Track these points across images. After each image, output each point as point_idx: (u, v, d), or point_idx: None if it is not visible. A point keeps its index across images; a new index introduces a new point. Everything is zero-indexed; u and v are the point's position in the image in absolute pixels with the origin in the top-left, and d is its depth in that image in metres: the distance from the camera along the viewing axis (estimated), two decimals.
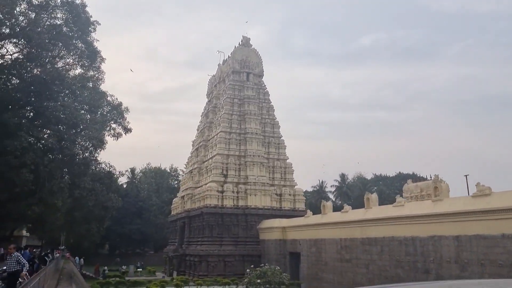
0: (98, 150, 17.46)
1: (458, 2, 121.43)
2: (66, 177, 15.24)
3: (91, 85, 17.72)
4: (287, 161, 39.82)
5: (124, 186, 69.74)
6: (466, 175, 29.29)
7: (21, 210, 15.78)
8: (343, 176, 79.81)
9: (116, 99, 18.95)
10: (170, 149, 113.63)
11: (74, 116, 14.95)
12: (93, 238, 31.99)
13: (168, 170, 76.82)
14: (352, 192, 76.86)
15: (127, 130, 18.85)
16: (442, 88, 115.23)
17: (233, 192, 36.16)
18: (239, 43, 43.93)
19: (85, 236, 29.04)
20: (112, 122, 18.76)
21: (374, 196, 24.81)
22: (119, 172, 24.06)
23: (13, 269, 10.39)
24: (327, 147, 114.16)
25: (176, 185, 70.04)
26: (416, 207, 20.47)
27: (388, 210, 22.47)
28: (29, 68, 15.91)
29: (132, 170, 73.78)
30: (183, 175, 69.25)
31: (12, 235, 35.54)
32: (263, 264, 20.15)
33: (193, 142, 47.34)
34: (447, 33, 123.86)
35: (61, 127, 15.50)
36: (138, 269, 40.73)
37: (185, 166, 62.11)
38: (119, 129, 18.94)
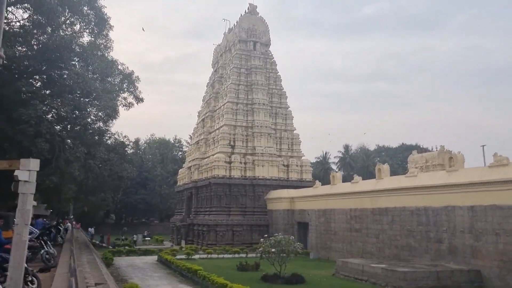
0: (112, 120, 17.25)
1: None
2: (81, 148, 15.06)
3: (100, 54, 17.23)
4: (294, 132, 39.63)
5: (129, 157, 69.88)
6: (483, 146, 29.19)
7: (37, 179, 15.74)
8: (346, 147, 79.71)
9: (127, 67, 18.60)
10: (172, 120, 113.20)
11: (88, 84, 14.62)
12: (107, 208, 32.06)
13: (172, 141, 76.80)
14: (355, 163, 76.91)
15: (139, 99, 18.50)
16: (446, 59, 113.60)
17: (240, 163, 36.14)
18: (245, 11, 42.92)
19: (99, 206, 29.15)
20: (123, 91, 18.39)
21: (385, 167, 24.76)
22: (132, 142, 23.81)
23: None
24: (329, 118, 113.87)
25: (180, 156, 70.18)
26: (430, 178, 20.42)
27: (401, 181, 22.45)
28: (36, 36, 15.46)
29: (137, 141, 73.73)
30: (188, 146, 69.35)
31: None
32: (276, 234, 20.24)
33: (199, 112, 47.01)
34: (451, 3, 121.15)
35: (75, 96, 15.18)
36: (146, 238, 41.24)
37: (190, 137, 61.96)
38: (131, 99, 18.68)
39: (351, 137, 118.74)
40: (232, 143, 37.04)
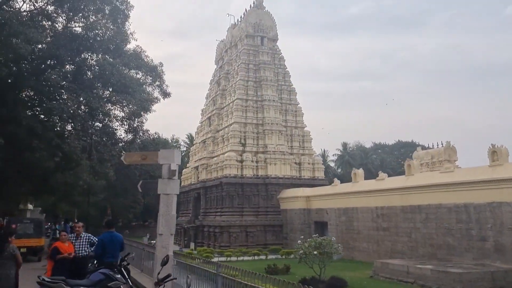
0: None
1: None
2: (118, 145, 13.82)
3: (124, 45, 15.94)
4: (305, 129, 38.62)
5: (117, 158, 67.61)
6: None
7: (68, 180, 14.54)
8: (345, 145, 79.13)
9: (152, 60, 17.22)
10: (164, 119, 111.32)
11: (123, 76, 13.40)
12: (134, 210, 30.63)
13: (170, 141, 75.20)
14: (354, 160, 76.31)
15: (166, 94, 17.17)
16: (429, 57, 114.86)
17: (252, 161, 35.00)
18: (251, 5, 41.75)
19: (127, 208, 27.69)
20: (149, 85, 17.07)
21: (415, 163, 23.87)
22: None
23: (83, 253, 8.78)
24: (320, 116, 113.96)
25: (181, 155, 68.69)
26: (470, 173, 19.54)
27: (435, 177, 21.55)
28: (59, 23, 14.20)
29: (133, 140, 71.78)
30: (186, 146, 67.92)
31: (18, 208, 34.13)
32: (316, 235, 19.16)
33: (202, 111, 45.69)
34: (433, 2, 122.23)
35: (110, 89, 13.95)
36: (152, 241, 39.79)
37: (188, 137, 60.30)
38: (157, 93, 17.32)
39: (345, 135, 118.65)
40: (242, 141, 35.87)
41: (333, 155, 79.15)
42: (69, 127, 12.64)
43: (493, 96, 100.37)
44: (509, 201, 17.26)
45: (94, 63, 13.92)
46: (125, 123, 15.64)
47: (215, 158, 37.51)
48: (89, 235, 9.16)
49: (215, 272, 6.47)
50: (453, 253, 19.63)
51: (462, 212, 19.36)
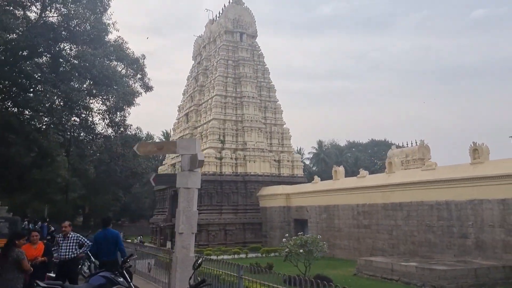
0: (128, 108, 15.24)
1: None
2: (99, 140, 13.09)
3: (104, 35, 15.13)
4: (284, 126, 38.45)
5: (98, 154, 66.01)
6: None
7: (46, 176, 13.73)
8: (320, 143, 79.75)
9: (133, 52, 16.45)
10: (134, 116, 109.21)
11: (105, 68, 12.68)
12: (114, 208, 29.31)
13: (144, 138, 73.74)
14: (329, 158, 76.95)
15: (148, 88, 16.45)
16: (400, 58, 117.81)
17: (231, 158, 34.56)
18: (230, 0, 41.20)
19: (107, 206, 26.55)
20: (132, 79, 16.30)
21: (396, 161, 24.01)
22: (146, 134, 21.63)
23: (71, 255, 8.17)
24: (289, 114, 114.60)
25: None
26: (451, 171, 19.74)
27: (416, 174, 21.71)
28: (33, 12, 13.36)
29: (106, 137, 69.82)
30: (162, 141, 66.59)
31: None
32: (301, 233, 18.95)
33: (180, 107, 44.87)
34: (405, 4, 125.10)
35: (89, 81, 13.18)
36: (127, 241, 38.73)
37: (163, 133, 59.30)
38: (138, 87, 16.54)
39: (320, 133, 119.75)
40: (221, 138, 35.37)
41: (309, 153, 79.54)
42: (46, 121, 11.80)
43: (461, 96, 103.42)
44: (490, 199, 17.51)
45: (74, 53, 13.14)
46: (107, 117, 14.90)
47: None
48: (78, 235, 8.52)
49: (236, 275, 6.13)
50: (435, 250, 19.81)
51: (444, 209, 19.56)
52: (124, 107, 14.97)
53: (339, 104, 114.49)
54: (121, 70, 15.50)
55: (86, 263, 10.56)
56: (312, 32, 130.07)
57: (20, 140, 11.66)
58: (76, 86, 12.91)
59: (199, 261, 5.36)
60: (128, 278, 6.51)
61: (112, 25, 14.92)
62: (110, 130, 15.55)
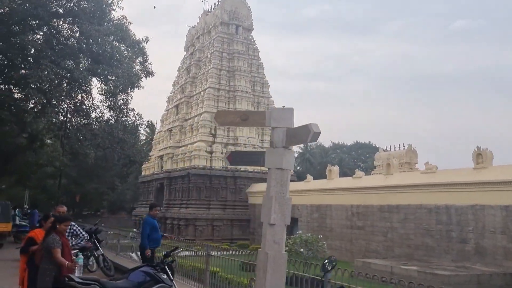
0: (132, 91, 14.25)
1: None
2: (101, 123, 12.19)
3: (108, 12, 14.12)
4: None
5: (99, 138, 63.29)
6: None
7: (40, 160, 12.79)
8: (305, 143, 79.50)
9: (134, 34, 15.41)
10: None
11: (109, 46, 11.78)
12: (110, 197, 27.83)
13: (145, 125, 72.00)
14: (314, 159, 76.93)
15: (149, 73, 15.47)
16: (379, 64, 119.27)
17: (222, 153, 33.76)
18: None
19: (100, 195, 25.21)
20: (132, 61, 15.24)
21: (395, 162, 23.70)
22: (147, 122, 20.61)
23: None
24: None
25: (141, 144, 65.92)
26: (452, 175, 19.49)
27: (416, 177, 21.43)
28: None
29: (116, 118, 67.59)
30: (145, 134, 65.19)
31: None
32: (300, 231, 18.40)
33: (169, 98, 43.79)
34: (387, 11, 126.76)
35: (89, 60, 12.21)
36: (109, 233, 37.57)
37: (147, 124, 57.88)
38: (139, 71, 15.47)
39: None
40: (213, 131, 34.56)
41: (295, 152, 79.49)
42: (42, 100, 10.82)
43: (437, 104, 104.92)
44: (492, 205, 17.28)
45: (75, 29, 12.19)
46: (110, 99, 13.94)
47: (182, 148, 35.93)
48: (72, 223, 7.60)
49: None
50: (432, 254, 19.54)
51: (443, 213, 19.29)
52: (128, 89, 14.07)
53: (321, 105, 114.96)
54: (124, 50, 14.59)
55: (93, 255, 9.70)
56: (295, 33, 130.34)
57: (15, 119, 10.76)
58: (79, 63, 11.96)
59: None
60: (171, 275, 5.80)
61: (116, 2, 13.99)
62: (109, 114, 14.63)
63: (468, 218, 18.22)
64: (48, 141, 14.05)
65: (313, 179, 30.43)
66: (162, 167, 38.59)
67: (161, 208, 36.45)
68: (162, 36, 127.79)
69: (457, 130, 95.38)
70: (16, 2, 11.67)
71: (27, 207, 29.10)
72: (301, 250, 15.67)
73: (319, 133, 4.15)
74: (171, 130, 39.15)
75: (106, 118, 14.45)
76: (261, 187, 32.80)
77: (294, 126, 4.53)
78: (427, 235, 19.93)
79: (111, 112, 14.47)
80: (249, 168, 34.14)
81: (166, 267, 5.88)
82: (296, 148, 77.17)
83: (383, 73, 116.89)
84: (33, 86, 10.06)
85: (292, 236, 17.17)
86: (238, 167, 33.89)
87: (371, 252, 22.65)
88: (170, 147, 37.73)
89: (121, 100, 14.47)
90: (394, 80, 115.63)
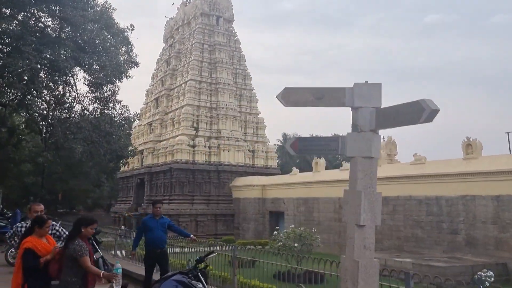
0: (119, 82, 13.37)
1: None
2: (89, 116, 11.33)
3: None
4: (259, 115, 37.34)
5: (86, 132, 60.77)
6: (507, 133, 29.23)
7: (19, 155, 11.89)
8: (285, 136, 79.36)
9: (118, 23, 14.43)
10: None
11: (95, 33, 10.90)
12: (95, 195, 26.40)
13: (132, 117, 70.06)
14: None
15: (134, 64, 14.55)
16: (355, 57, 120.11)
17: (205, 146, 33.06)
18: None
19: (86, 192, 23.85)
20: (116, 50, 14.25)
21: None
22: (135, 114, 19.63)
23: None
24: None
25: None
26: (442, 165, 19.45)
27: (405, 168, 21.33)
28: None
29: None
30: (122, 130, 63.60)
31: None
32: (292, 226, 17.98)
33: (148, 91, 42.57)
34: (362, 5, 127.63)
35: (74, 48, 11.27)
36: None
37: (138, 118, 56.75)
38: (123, 61, 14.51)
39: (281, 126, 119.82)
40: (195, 124, 33.75)
41: (274, 145, 79.19)
42: (19, 92, 9.95)
43: (413, 97, 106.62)
44: (483, 195, 17.30)
45: (57, 13, 11.24)
46: (96, 90, 13.02)
47: (164, 142, 35.00)
48: (54, 223, 6.68)
49: None
50: (422, 245, 19.52)
51: (433, 204, 19.26)
52: (115, 80, 13.20)
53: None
54: (108, 39, 13.68)
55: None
56: (272, 27, 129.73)
57: None
58: (64, 51, 11.05)
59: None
60: (205, 282, 5.23)
61: None
62: (94, 105, 13.70)
63: (458, 209, 18.22)
64: (28, 136, 13.13)
65: (291, 172, 30.19)
66: (142, 162, 37.56)
67: (143, 204, 35.51)
68: (137, 28, 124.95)
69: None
70: None
71: (1, 206, 27.71)
72: (295, 245, 15.24)
73: (438, 110, 3.34)
74: (151, 124, 38.11)
75: (91, 110, 13.64)
76: (246, 180, 32.32)
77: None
78: (417, 226, 19.89)
79: (96, 104, 13.59)
80: (233, 161, 33.59)
81: (199, 274, 5.30)
82: (275, 141, 77.06)
83: (359, 66, 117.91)
84: (11, 76, 9.19)
85: (285, 231, 16.72)
86: (222, 160, 33.28)
87: None
88: (150, 141, 36.73)
89: (108, 91, 13.61)
90: (370, 73, 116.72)
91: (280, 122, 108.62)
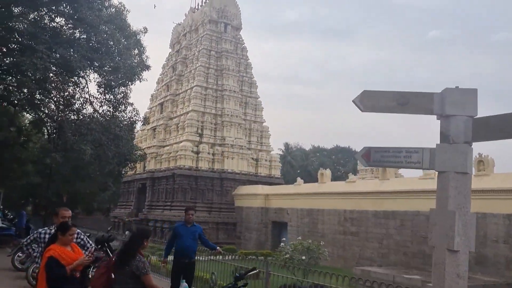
0: (132, 84, 13.09)
1: None
2: (98, 118, 11.07)
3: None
4: (264, 124, 37.11)
5: (96, 133, 59.96)
6: None
7: (27, 155, 11.63)
8: (287, 146, 79.28)
9: (130, 24, 14.20)
10: None
11: (109, 34, 10.69)
12: (101, 198, 25.88)
13: (141, 121, 69.89)
14: (295, 161, 76.65)
15: (146, 67, 14.24)
16: (357, 69, 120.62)
17: (209, 153, 32.77)
18: None
19: (93, 196, 23.42)
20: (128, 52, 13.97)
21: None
22: (144, 118, 19.34)
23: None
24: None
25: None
26: None
27: (413, 183, 20.99)
28: None
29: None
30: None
31: None
32: (298, 237, 17.63)
33: (152, 96, 42.40)
34: (366, 17, 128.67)
35: (86, 48, 11.04)
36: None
37: (148, 122, 56.51)
38: (136, 63, 14.22)
39: (281, 136, 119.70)
40: (199, 131, 33.49)
41: (276, 154, 79.05)
42: (31, 91, 9.68)
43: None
44: (495, 213, 16.97)
45: (71, 12, 11.01)
46: (109, 92, 12.75)
47: (167, 147, 34.72)
48: (79, 231, 6.29)
49: None
50: (429, 262, 19.03)
51: None
52: (128, 82, 12.93)
53: (299, 109, 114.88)
54: (121, 40, 13.44)
55: None
56: (273, 36, 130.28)
57: (4, 111, 9.62)
58: (75, 52, 10.81)
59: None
60: None
61: None
62: (105, 107, 13.41)
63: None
64: (34, 136, 12.88)
65: (294, 182, 29.91)
66: (144, 166, 37.23)
67: (144, 210, 35.12)
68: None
69: (433, 136, 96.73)
70: None
71: (1, 207, 27.39)
72: (303, 257, 14.89)
73: None
74: (155, 128, 37.86)
75: (101, 112, 13.35)
76: (249, 189, 31.99)
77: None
78: (425, 242, 19.48)
79: (107, 106, 13.33)
80: (236, 169, 33.28)
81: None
82: (277, 150, 76.78)
83: (359, 78, 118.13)
84: (23, 75, 8.94)
85: (291, 243, 16.37)
86: (226, 167, 32.96)
87: (365, 259, 22.13)
88: (153, 146, 36.45)
89: (120, 94, 13.34)
90: (371, 85, 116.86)
91: (281, 132, 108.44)
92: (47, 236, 5.61)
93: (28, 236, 5.95)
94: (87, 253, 5.46)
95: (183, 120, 34.04)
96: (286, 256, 15.41)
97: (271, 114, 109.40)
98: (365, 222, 22.56)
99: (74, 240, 5.40)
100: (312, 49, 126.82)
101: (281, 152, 76.08)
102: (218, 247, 8.09)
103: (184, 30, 41.25)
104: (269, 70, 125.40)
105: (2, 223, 17.57)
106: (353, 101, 3.69)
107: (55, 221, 5.63)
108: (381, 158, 3.92)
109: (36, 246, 5.77)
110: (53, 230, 5.49)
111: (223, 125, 34.04)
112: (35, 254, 5.73)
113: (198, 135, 33.26)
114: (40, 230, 5.86)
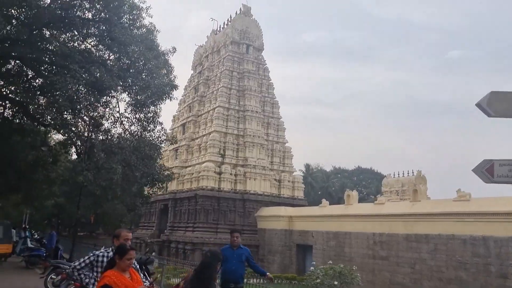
0: (163, 102, 13.01)
1: (396, 11, 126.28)
2: (129, 136, 10.97)
3: (138, 19, 12.92)
4: (286, 144, 36.70)
5: (126, 153, 60.36)
6: None
7: (51, 175, 11.57)
8: (307, 167, 78.42)
9: (159, 44, 14.22)
10: None
11: (141, 53, 10.62)
12: (126, 219, 25.86)
13: (169, 140, 70.61)
14: (316, 182, 75.59)
15: (174, 87, 14.12)
16: (376, 90, 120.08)
17: (231, 174, 32.43)
18: (237, 12, 39.80)
19: (120, 216, 23.34)
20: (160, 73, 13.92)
21: (422, 188, 22.47)
22: (171, 137, 19.25)
23: None
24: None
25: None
26: (489, 203, 18.27)
27: (447, 205, 20.15)
28: None
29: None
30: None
31: None
32: (330, 262, 16.93)
33: (174, 117, 42.61)
34: (384, 39, 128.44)
35: (117, 67, 11.01)
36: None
37: (175, 142, 56.88)
38: (164, 83, 14.16)
39: (301, 157, 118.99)
40: (222, 151, 33.26)
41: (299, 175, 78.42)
42: (65, 111, 9.63)
43: (433, 132, 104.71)
44: None
45: (104, 32, 11.03)
46: (139, 111, 12.64)
47: (189, 168, 34.55)
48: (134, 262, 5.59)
49: None
50: None
51: (480, 245, 17.97)
52: (158, 101, 12.83)
53: (318, 130, 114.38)
54: (151, 60, 13.40)
55: None
56: (292, 58, 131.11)
57: (37, 130, 9.58)
58: (107, 71, 10.77)
59: None
60: None
61: (145, 10, 12.85)
62: (134, 127, 13.30)
63: (509, 251, 16.91)
64: (63, 156, 12.82)
65: (316, 203, 29.19)
66: (166, 187, 37.02)
67: (166, 231, 34.76)
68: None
69: (456, 157, 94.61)
70: (44, 2, 10.54)
71: (27, 227, 27.42)
72: (335, 283, 14.22)
73: None
74: (177, 149, 37.82)
75: (131, 131, 13.24)
76: (272, 211, 31.40)
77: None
78: (461, 268, 18.54)
79: (137, 125, 13.22)
80: (259, 190, 32.79)
81: None
82: (298, 172, 75.94)
83: (378, 99, 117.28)
84: (57, 95, 8.89)
85: (321, 267, 15.71)
86: (248, 188, 32.50)
87: (396, 285, 21.18)
88: (176, 166, 36.32)
89: (150, 113, 13.20)
90: (391, 106, 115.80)
91: (301, 153, 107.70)
92: (105, 259, 5.05)
93: (82, 259, 5.28)
94: (148, 284, 4.98)
95: (205, 140, 33.93)
96: (317, 281, 14.75)
97: (291, 135, 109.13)
98: (396, 246, 21.68)
99: (135, 267, 4.92)
100: (330, 70, 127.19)
101: (301, 174, 75.35)
102: (268, 273, 7.59)
103: (206, 51, 41.64)
104: (286, 92, 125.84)
105: (31, 243, 17.47)
106: (477, 104, 3.21)
107: (115, 244, 5.07)
108: (510, 173, 3.36)
109: (86, 271, 5.19)
110: (110, 253, 5.02)
111: (245, 145, 33.77)
112: (87, 280, 5.10)
113: (220, 155, 33.03)
114: (97, 252, 5.26)
